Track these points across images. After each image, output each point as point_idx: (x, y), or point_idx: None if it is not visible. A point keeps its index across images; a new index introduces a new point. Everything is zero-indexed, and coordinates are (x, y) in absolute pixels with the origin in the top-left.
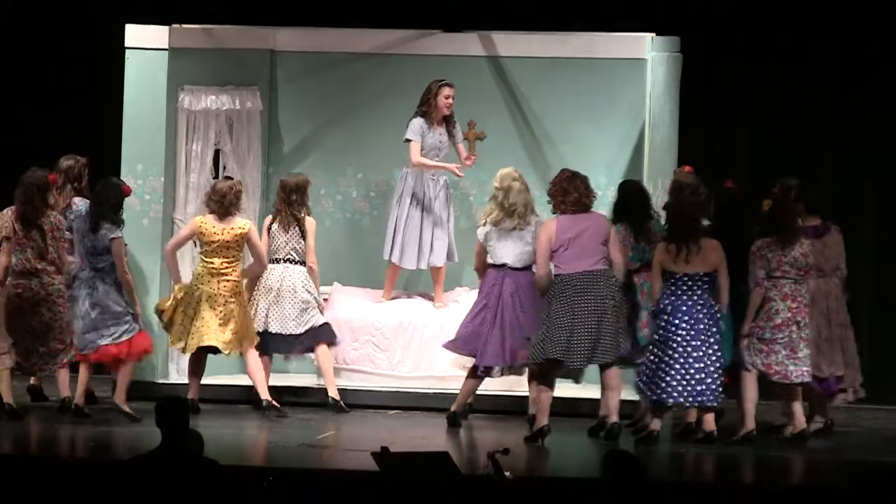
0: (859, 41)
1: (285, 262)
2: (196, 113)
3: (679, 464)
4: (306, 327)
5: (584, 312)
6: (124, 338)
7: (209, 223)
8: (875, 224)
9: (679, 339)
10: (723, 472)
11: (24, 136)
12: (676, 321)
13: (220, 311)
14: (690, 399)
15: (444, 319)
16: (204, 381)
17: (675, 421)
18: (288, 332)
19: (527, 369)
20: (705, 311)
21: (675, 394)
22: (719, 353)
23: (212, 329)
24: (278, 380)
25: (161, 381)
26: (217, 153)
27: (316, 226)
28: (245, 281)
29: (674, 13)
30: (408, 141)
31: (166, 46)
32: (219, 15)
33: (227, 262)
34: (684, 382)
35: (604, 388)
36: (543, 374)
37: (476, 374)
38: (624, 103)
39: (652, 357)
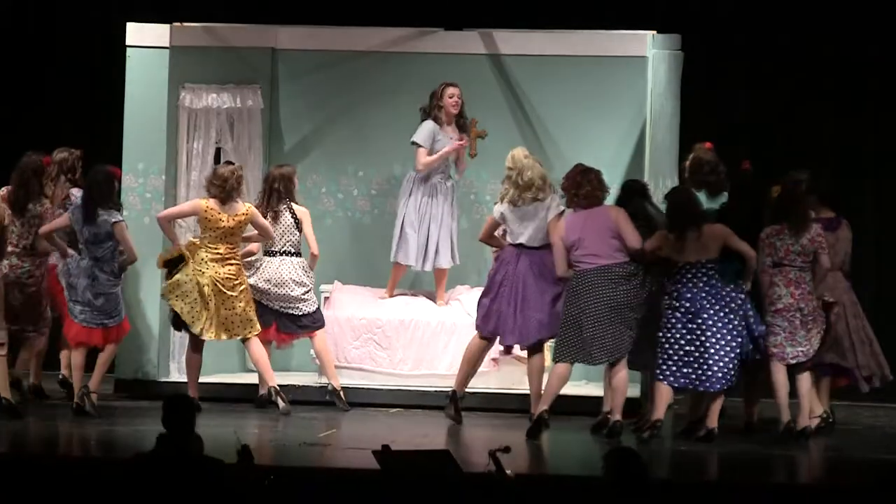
0: (860, 41)
1: (282, 254)
2: (197, 111)
3: (681, 462)
4: (304, 311)
5: (594, 309)
6: (122, 317)
7: (214, 209)
8: (876, 223)
9: (682, 323)
10: (724, 470)
11: (24, 135)
12: (678, 305)
13: (234, 296)
14: (708, 384)
15: (445, 317)
16: (204, 379)
17: (677, 412)
18: (290, 313)
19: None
20: (715, 297)
21: (692, 381)
22: (729, 338)
23: (240, 322)
24: (278, 378)
25: (162, 379)
26: (218, 151)
27: (309, 214)
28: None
29: (675, 11)
30: (414, 144)
31: (167, 45)
32: (220, 13)
33: (231, 248)
34: (696, 368)
35: (609, 386)
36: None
37: (480, 343)
38: (625, 101)
39: (658, 342)
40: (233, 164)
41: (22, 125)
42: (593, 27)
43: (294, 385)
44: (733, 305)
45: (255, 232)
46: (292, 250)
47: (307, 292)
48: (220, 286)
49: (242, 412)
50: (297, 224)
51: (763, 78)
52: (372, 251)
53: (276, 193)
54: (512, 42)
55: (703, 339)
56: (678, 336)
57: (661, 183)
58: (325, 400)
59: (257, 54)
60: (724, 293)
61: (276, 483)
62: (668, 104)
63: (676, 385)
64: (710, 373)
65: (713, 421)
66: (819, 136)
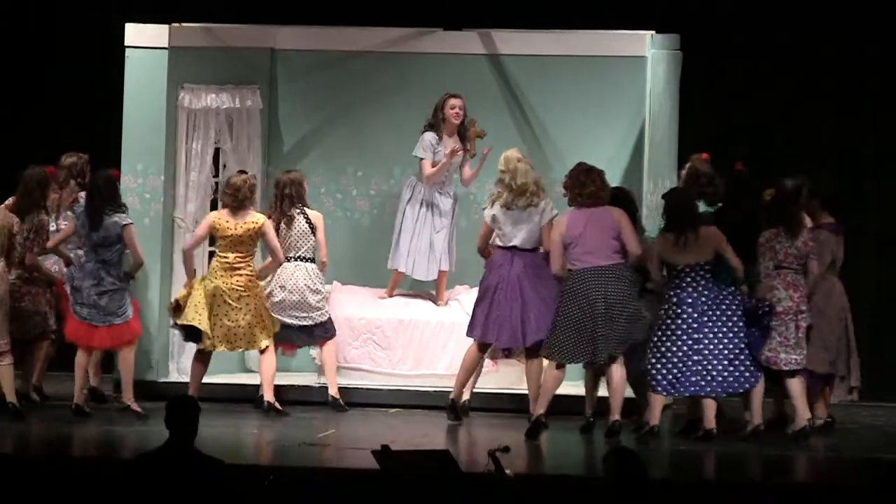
0: (858, 41)
1: (297, 259)
2: (196, 111)
3: (680, 462)
4: (318, 321)
5: (592, 308)
6: (129, 315)
7: (223, 218)
8: (875, 224)
9: (682, 330)
10: (723, 469)
11: (23, 136)
12: (680, 311)
13: (238, 307)
14: (720, 389)
15: (444, 317)
16: (204, 379)
17: (676, 411)
18: (303, 325)
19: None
20: (715, 301)
21: (695, 387)
22: (736, 341)
23: (243, 335)
24: (279, 379)
25: (162, 380)
26: (217, 152)
27: (323, 219)
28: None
29: (674, 11)
30: (416, 157)
31: (166, 45)
32: (219, 14)
33: (241, 257)
34: (703, 373)
35: (607, 385)
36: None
37: (478, 350)
38: (624, 101)
39: (658, 351)
40: (245, 172)
41: (22, 125)
42: (592, 27)
43: (293, 385)
44: (734, 307)
45: (269, 260)
46: (308, 256)
47: (321, 300)
48: (224, 297)
49: (242, 412)
50: (312, 229)
51: (762, 78)
52: (371, 251)
53: (289, 199)
54: (511, 42)
55: (704, 342)
56: (680, 343)
57: (659, 183)
58: (324, 401)
59: (256, 55)
60: (722, 296)
61: (275, 483)
62: (667, 104)
63: (677, 394)
64: (719, 378)
65: (711, 422)
66: (818, 137)
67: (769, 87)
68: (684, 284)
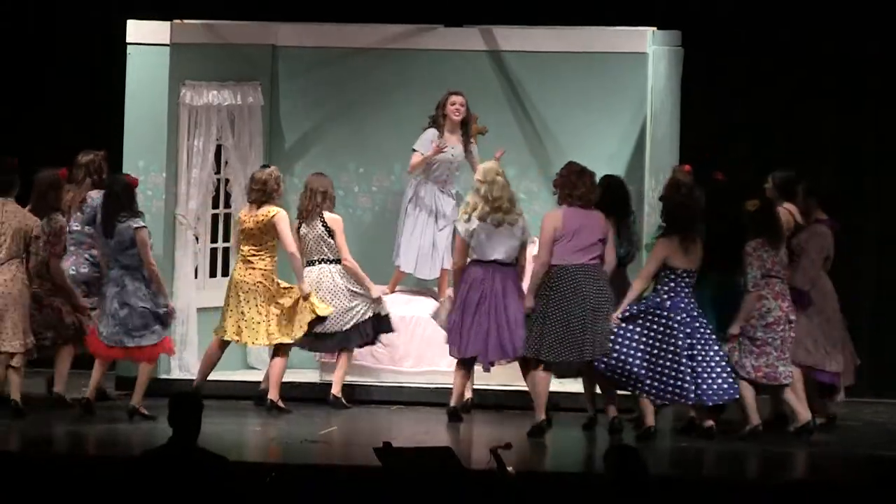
0: (860, 38)
1: (320, 262)
2: (198, 108)
3: (680, 459)
4: (351, 323)
5: (580, 306)
6: (147, 344)
7: (244, 211)
8: (876, 221)
9: (681, 337)
10: (724, 467)
11: (25, 133)
12: (678, 317)
13: (246, 300)
14: (705, 398)
15: None
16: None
17: (677, 416)
18: (333, 331)
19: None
20: (699, 308)
21: (685, 394)
22: (718, 349)
23: (244, 327)
24: None
25: (163, 376)
26: (219, 149)
27: (341, 222)
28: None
29: (675, 8)
30: (413, 150)
31: (168, 42)
32: (220, 10)
33: (255, 250)
34: (693, 381)
35: (598, 383)
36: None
37: (464, 365)
38: (625, 97)
39: (651, 358)
40: (268, 166)
41: (22, 125)
42: (594, 23)
43: (295, 382)
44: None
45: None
46: (329, 258)
47: (354, 298)
48: (238, 288)
49: (244, 410)
50: (330, 232)
51: (763, 75)
52: (373, 248)
53: (317, 207)
54: (512, 38)
55: (697, 348)
56: (675, 349)
57: (661, 179)
58: (326, 398)
59: (258, 51)
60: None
61: (277, 480)
62: (669, 100)
63: (669, 403)
64: (706, 386)
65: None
66: (819, 134)
67: (770, 84)
68: (678, 289)
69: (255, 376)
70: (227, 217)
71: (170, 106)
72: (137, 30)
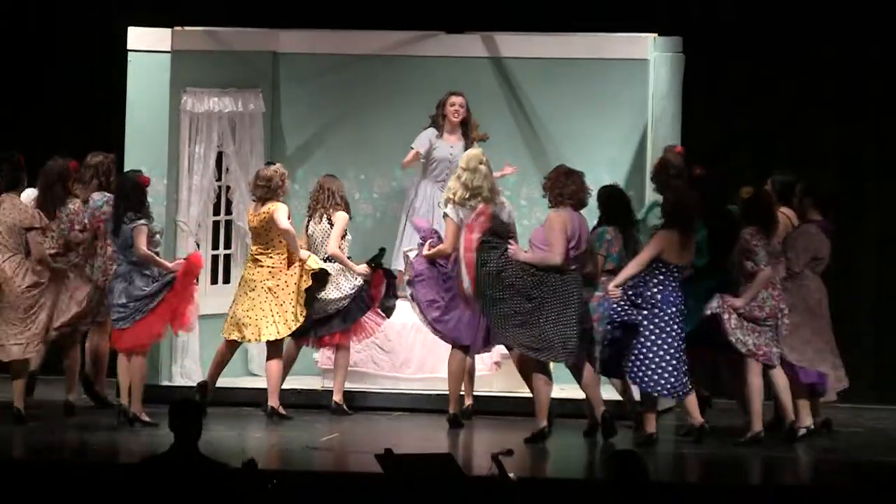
0: (860, 44)
1: (325, 260)
2: (199, 115)
3: (681, 464)
4: (349, 300)
5: (576, 309)
6: (156, 306)
7: (249, 210)
8: (877, 226)
9: (676, 329)
10: (724, 472)
11: (26, 139)
12: (671, 311)
13: (249, 297)
14: (684, 392)
15: None
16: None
17: (679, 423)
18: (334, 310)
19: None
20: (682, 303)
21: (673, 388)
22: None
23: (243, 323)
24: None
25: (165, 383)
26: (220, 155)
27: (346, 220)
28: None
29: (676, 14)
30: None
31: (169, 49)
32: (221, 17)
33: (261, 248)
34: (680, 375)
35: (585, 384)
36: (539, 367)
37: (458, 358)
38: (626, 103)
39: (646, 350)
40: (273, 163)
41: (22, 125)
42: (595, 30)
43: (296, 389)
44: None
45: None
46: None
47: (349, 280)
48: (244, 287)
49: (245, 416)
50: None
51: (764, 81)
52: (373, 254)
53: (326, 202)
54: (513, 45)
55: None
56: (676, 343)
57: None
58: (327, 405)
59: (259, 58)
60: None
61: (279, 487)
62: (670, 107)
63: (681, 396)
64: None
65: (697, 416)
66: (820, 141)
67: (771, 91)
68: (668, 282)
69: (257, 383)
70: (228, 224)
71: (171, 113)
72: (138, 37)
